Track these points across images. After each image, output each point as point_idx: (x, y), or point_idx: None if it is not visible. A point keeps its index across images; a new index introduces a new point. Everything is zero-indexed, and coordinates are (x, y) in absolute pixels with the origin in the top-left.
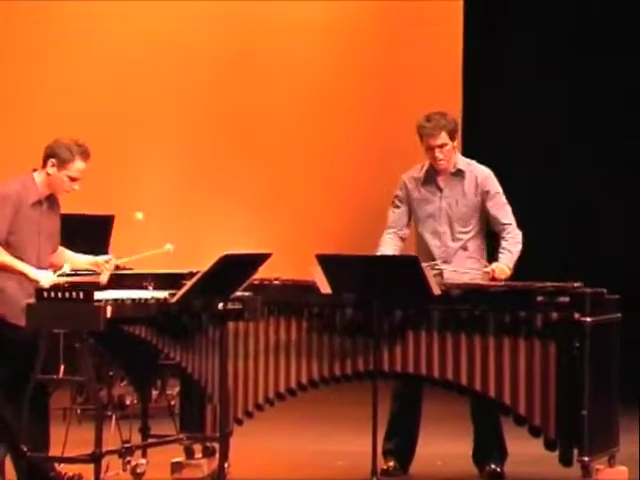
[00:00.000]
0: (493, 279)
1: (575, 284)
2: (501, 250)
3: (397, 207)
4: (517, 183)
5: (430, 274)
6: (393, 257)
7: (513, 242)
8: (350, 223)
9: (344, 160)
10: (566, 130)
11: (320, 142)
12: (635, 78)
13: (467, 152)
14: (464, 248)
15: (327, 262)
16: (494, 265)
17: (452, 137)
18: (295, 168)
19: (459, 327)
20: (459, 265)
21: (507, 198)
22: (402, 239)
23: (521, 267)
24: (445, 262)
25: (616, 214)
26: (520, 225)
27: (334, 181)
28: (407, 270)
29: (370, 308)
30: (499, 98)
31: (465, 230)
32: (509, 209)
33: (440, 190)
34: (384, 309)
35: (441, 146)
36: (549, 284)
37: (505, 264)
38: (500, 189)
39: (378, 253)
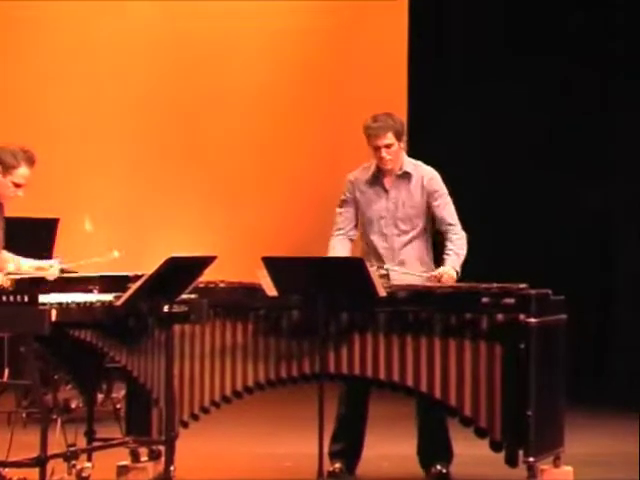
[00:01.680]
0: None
1: (520, 285)
2: (447, 252)
3: (344, 208)
4: (463, 183)
5: (376, 276)
6: (338, 259)
7: (459, 244)
8: (297, 225)
9: (290, 162)
10: (514, 129)
11: (266, 144)
12: (570, 75)
13: (413, 153)
14: (411, 249)
15: (273, 264)
16: (441, 270)
17: (399, 138)
18: (241, 171)
19: (405, 329)
20: (406, 266)
21: (453, 199)
22: (351, 240)
23: (467, 268)
24: (394, 264)
25: (563, 215)
26: (466, 226)
27: (281, 183)
28: (353, 272)
29: (316, 310)
30: (446, 97)
31: (411, 231)
32: (454, 210)
33: (386, 191)
34: (330, 311)
35: (387, 146)
36: (494, 285)
37: (452, 267)
38: (445, 190)
39: (330, 255)
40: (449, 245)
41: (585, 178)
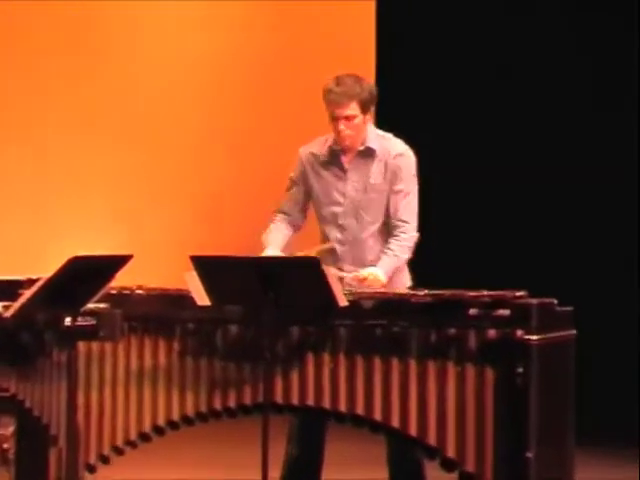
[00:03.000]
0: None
1: (517, 293)
2: (387, 250)
3: (291, 188)
4: (440, 168)
5: (335, 280)
6: (288, 259)
7: (404, 246)
8: (236, 220)
9: (226, 152)
10: (507, 102)
11: (198, 132)
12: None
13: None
14: (374, 246)
15: (204, 265)
16: (369, 270)
17: (364, 109)
18: (165, 157)
19: (372, 348)
20: (363, 261)
21: (426, 187)
22: (294, 227)
23: (450, 272)
24: (353, 266)
25: (568, 210)
26: (444, 220)
27: (217, 173)
28: (306, 275)
29: (260, 324)
30: (418, 64)
31: (375, 223)
32: (416, 205)
33: (345, 172)
34: (277, 325)
35: (348, 118)
36: (485, 293)
37: (383, 270)
38: (414, 174)
39: (264, 244)
40: (392, 243)
41: (598, 162)
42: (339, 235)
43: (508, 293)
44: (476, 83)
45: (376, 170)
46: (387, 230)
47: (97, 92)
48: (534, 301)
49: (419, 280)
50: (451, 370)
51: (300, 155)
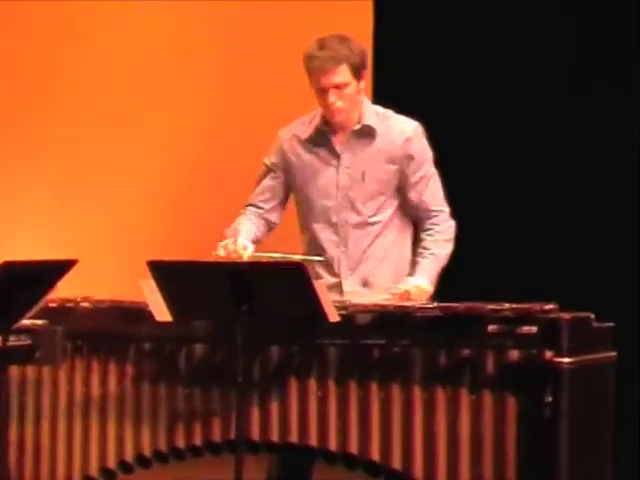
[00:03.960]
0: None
1: (546, 306)
2: (422, 252)
3: (267, 177)
4: (450, 148)
5: (324, 290)
6: (267, 264)
7: (441, 240)
8: (205, 219)
9: (196, 143)
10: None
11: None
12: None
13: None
14: (379, 247)
15: (165, 272)
16: (410, 284)
17: (357, 74)
18: (122, 143)
19: (369, 373)
20: (368, 273)
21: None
22: (268, 225)
23: (465, 281)
24: (351, 273)
25: (609, 209)
26: (461, 219)
27: (186, 164)
28: (288, 284)
29: (232, 343)
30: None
31: (377, 218)
32: (440, 187)
33: (337, 156)
34: (253, 345)
35: (339, 86)
36: (506, 306)
37: (426, 277)
38: (430, 157)
39: (229, 235)
40: (426, 240)
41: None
42: (333, 236)
43: (534, 306)
44: (477, 77)
45: (378, 155)
46: (400, 227)
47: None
48: (566, 316)
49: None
50: (465, 400)
51: (279, 138)
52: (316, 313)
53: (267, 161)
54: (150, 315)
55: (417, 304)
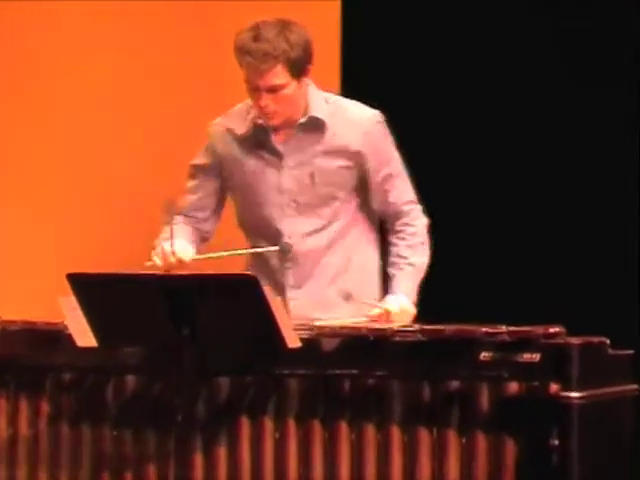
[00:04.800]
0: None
1: (551, 329)
2: (396, 261)
3: (196, 180)
4: (430, 150)
5: (281, 308)
6: (212, 277)
7: (418, 244)
8: (141, 230)
9: (133, 146)
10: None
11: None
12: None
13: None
14: (336, 258)
15: (88, 287)
16: (387, 304)
17: (298, 73)
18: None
19: (337, 409)
20: (317, 293)
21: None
22: (201, 236)
23: (446, 296)
24: (299, 291)
25: (622, 219)
26: (446, 232)
27: (120, 166)
28: (238, 301)
29: (170, 374)
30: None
31: (332, 226)
32: (409, 183)
33: (279, 156)
34: (196, 376)
35: (274, 89)
36: (503, 329)
37: (408, 296)
38: (395, 150)
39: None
40: (401, 247)
41: None
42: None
43: (537, 329)
44: (449, 74)
45: (329, 152)
46: (362, 231)
47: None
48: (575, 340)
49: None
50: (453, 442)
51: (211, 134)
52: (272, 337)
53: (196, 162)
54: (70, 340)
55: (396, 326)
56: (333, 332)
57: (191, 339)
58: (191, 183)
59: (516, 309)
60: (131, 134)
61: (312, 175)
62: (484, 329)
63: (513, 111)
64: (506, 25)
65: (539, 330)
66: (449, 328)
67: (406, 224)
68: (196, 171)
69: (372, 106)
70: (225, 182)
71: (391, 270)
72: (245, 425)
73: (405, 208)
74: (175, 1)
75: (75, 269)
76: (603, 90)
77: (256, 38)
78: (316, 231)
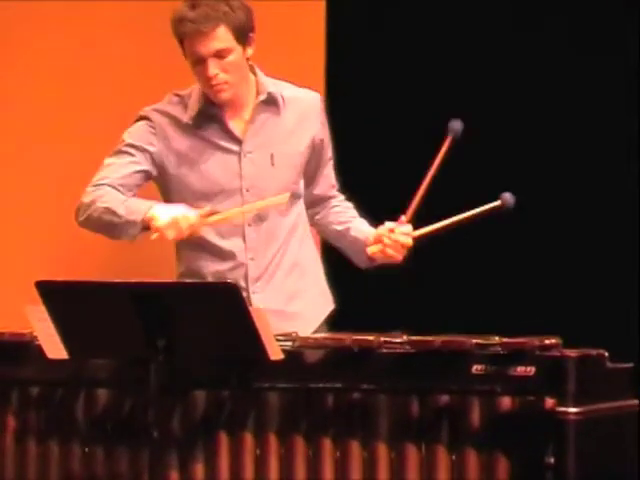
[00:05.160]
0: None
1: (547, 341)
2: (343, 219)
3: (125, 156)
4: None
5: (263, 318)
6: (188, 285)
7: (356, 215)
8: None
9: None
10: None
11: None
12: None
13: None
14: (304, 249)
15: (57, 296)
16: (388, 225)
17: (242, 38)
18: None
19: (320, 424)
20: (280, 290)
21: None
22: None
23: (436, 306)
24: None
25: (622, 227)
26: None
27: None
28: (216, 310)
29: (144, 388)
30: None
31: (290, 214)
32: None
33: (236, 140)
34: (171, 389)
35: (220, 54)
36: (496, 340)
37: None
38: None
39: (127, 210)
40: (341, 212)
41: None
42: (238, 241)
43: (531, 341)
44: (435, 78)
45: (287, 133)
46: (306, 224)
47: None
48: (572, 353)
49: (399, 322)
50: (443, 460)
51: (147, 116)
52: (253, 348)
53: (129, 139)
54: (38, 351)
55: (382, 338)
56: (316, 343)
57: (166, 350)
58: (124, 159)
59: (510, 320)
60: (100, 138)
61: (272, 157)
62: (476, 340)
63: (502, 117)
64: (495, 28)
65: (534, 342)
66: (438, 339)
67: (340, 201)
68: (129, 147)
69: (357, 107)
70: (160, 169)
71: (338, 227)
72: (224, 441)
73: (336, 192)
74: (152, 1)
75: (44, 276)
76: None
77: (193, 6)
78: (279, 217)
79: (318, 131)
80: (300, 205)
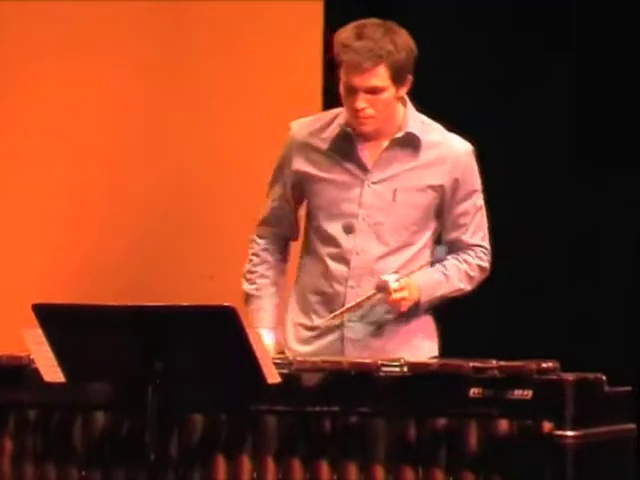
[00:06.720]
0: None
1: (544, 364)
2: (446, 262)
3: (275, 184)
4: None
5: (260, 341)
6: (189, 308)
7: (475, 266)
8: (107, 254)
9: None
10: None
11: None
12: None
13: None
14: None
15: (55, 319)
16: (402, 281)
17: (399, 79)
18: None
19: (317, 448)
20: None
21: None
22: (286, 244)
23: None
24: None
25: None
26: None
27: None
28: (214, 334)
29: (142, 411)
30: None
31: (404, 252)
32: (485, 225)
33: (364, 169)
34: (168, 413)
35: (373, 91)
36: (493, 364)
37: (424, 282)
38: (480, 186)
39: (252, 313)
40: (462, 258)
41: None
42: (341, 267)
43: (529, 364)
44: (433, 76)
45: (418, 173)
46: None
47: None
48: (570, 377)
49: None
50: None
51: (291, 134)
52: (251, 372)
53: (279, 163)
54: (35, 375)
55: (379, 361)
56: (313, 367)
57: (164, 373)
58: (271, 187)
59: (507, 343)
60: (95, 159)
61: (395, 192)
62: (473, 364)
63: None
64: (495, 29)
65: (531, 365)
66: (436, 363)
67: (477, 255)
68: (276, 173)
69: None
70: (301, 187)
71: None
72: (221, 464)
73: (473, 242)
74: (150, 2)
75: (42, 299)
76: None
77: (361, 36)
78: (386, 256)
79: (449, 176)
80: (424, 241)
